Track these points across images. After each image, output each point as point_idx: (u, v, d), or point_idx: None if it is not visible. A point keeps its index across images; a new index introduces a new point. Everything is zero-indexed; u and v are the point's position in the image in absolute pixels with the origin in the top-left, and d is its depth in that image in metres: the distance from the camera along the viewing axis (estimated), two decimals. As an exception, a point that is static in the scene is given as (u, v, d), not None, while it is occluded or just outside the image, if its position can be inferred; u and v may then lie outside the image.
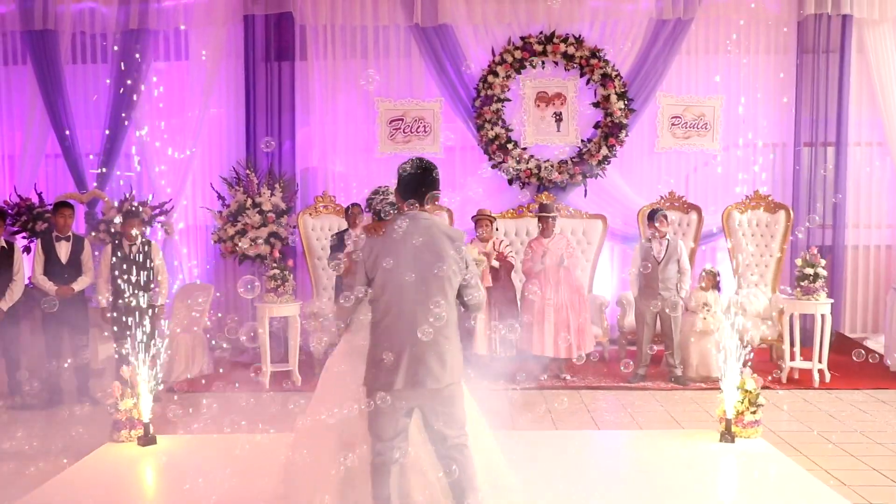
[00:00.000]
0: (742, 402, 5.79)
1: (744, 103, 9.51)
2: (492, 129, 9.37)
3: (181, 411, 5.79)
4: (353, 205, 7.91)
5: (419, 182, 3.71)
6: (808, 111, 9.43)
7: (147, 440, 5.83)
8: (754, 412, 5.81)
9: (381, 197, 4.15)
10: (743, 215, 9.03)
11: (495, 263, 7.68)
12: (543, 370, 7.81)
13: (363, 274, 3.65)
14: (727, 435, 5.77)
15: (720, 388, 5.90)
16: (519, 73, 9.52)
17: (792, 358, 7.87)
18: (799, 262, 7.84)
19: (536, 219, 8.22)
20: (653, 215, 7.82)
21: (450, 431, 3.70)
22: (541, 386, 7.50)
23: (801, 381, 7.79)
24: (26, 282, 7.37)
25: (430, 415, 3.69)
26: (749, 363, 5.82)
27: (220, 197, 9.16)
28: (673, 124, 9.62)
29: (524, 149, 9.48)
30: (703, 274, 7.86)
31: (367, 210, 4.28)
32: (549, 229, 7.95)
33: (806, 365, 7.79)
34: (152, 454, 5.72)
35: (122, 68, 9.32)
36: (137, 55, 9.29)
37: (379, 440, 3.67)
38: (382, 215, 3.86)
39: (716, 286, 7.81)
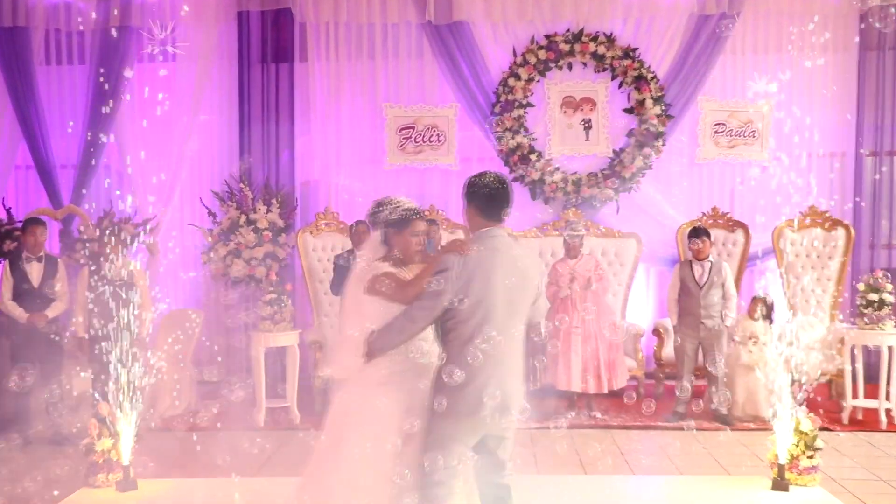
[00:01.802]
0: (797, 446, 5.75)
1: (797, 108, 9.49)
2: (513, 137, 9.41)
3: (165, 452, 5.80)
4: (358, 222, 7.93)
5: (503, 197, 3.91)
6: (871, 116, 9.42)
7: (127, 485, 5.82)
8: (811, 457, 5.76)
9: (392, 206, 4.10)
10: (796, 234, 8.96)
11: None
12: (570, 407, 7.78)
13: (448, 295, 3.70)
14: (780, 482, 5.72)
15: (772, 429, 5.86)
16: (543, 75, 9.57)
17: (854, 396, 7.80)
18: (861, 286, 7.80)
19: (562, 238, 8.23)
20: (694, 234, 7.81)
21: (506, 459, 3.95)
22: (568, 425, 7.46)
23: (865, 422, 7.71)
24: (-7, 308, 7.42)
25: (493, 441, 3.89)
26: (811, 398, 5.78)
27: (210, 213, 9.22)
28: (716, 132, 9.63)
29: (549, 160, 9.51)
30: (755, 302, 7.82)
31: (376, 226, 4.18)
32: (575, 249, 7.96)
33: (871, 404, 7.73)
34: (133, 501, 5.70)
35: (102, 70, 9.39)
36: (119, 56, 9.39)
37: (441, 469, 3.76)
38: (401, 226, 4.00)
39: (768, 316, 7.76)
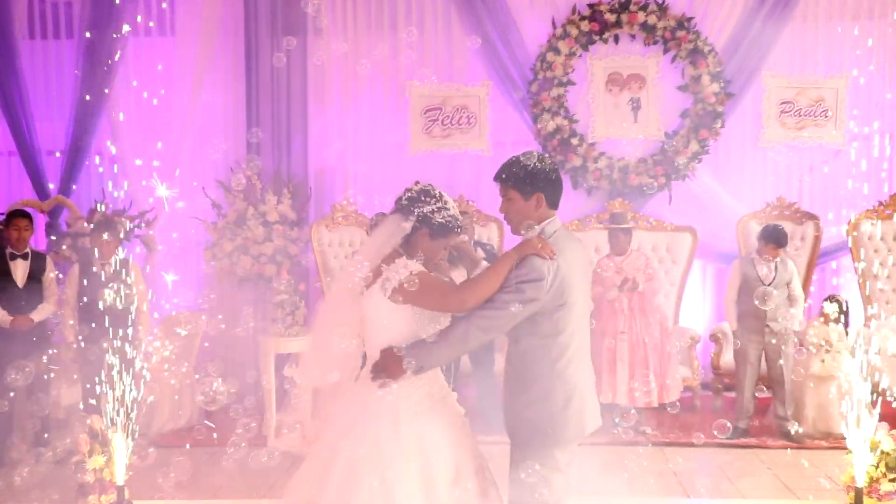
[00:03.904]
0: (877, 467, 5.67)
1: (876, 83, 9.36)
2: (552, 119, 9.37)
3: (164, 471, 5.78)
4: (379, 215, 7.90)
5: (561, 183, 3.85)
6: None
7: (121, 507, 5.83)
8: (894, 480, 5.67)
9: (440, 205, 3.77)
10: (875, 226, 8.88)
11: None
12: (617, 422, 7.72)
13: (536, 306, 3.56)
14: (858, 508, 5.63)
15: (847, 448, 5.78)
16: (586, 49, 9.51)
17: (942, 410, 7.68)
18: (950, 286, 7.69)
19: (607, 232, 8.20)
20: (770, 235, 7.56)
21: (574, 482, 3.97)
22: (614, 441, 7.40)
23: (954, 439, 7.59)
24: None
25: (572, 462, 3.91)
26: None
27: (214, 205, 9.24)
28: (783, 112, 9.52)
29: (592, 144, 9.46)
30: (827, 304, 7.70)
31: (407, 214, 3.74)
32: (622, 245, 7.90)
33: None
34: (127, 525, 5.69)
35: (92, 45, 9.38)
36: (111, 29, 9.36)
37: None
38: (439, 233, 3.75)
39: (842, 319, 7.64)
